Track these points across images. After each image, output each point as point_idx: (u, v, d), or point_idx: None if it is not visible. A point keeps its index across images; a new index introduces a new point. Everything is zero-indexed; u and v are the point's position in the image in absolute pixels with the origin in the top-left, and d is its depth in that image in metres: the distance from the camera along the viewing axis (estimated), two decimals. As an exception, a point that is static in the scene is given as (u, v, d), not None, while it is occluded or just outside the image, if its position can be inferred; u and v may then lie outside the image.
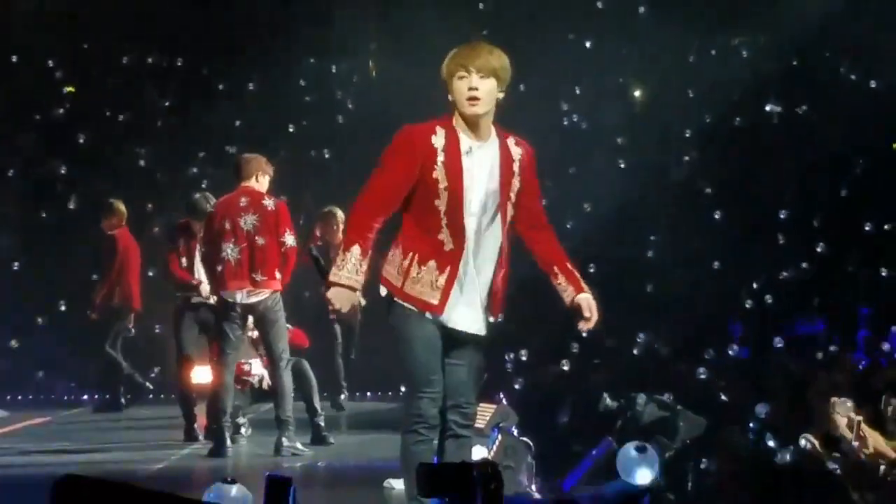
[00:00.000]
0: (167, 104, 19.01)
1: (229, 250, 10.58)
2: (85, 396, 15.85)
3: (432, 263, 6.14)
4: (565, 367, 13.15)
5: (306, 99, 19.00)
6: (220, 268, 10.67)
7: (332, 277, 6.15)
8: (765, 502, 9.07)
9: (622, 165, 17.52)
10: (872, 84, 16.97)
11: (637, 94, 18.77)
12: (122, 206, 14.54)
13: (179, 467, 10.53)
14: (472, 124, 6.17)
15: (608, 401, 11.07)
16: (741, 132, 17.57)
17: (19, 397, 16.01)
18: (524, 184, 6.28)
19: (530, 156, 6.32)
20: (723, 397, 11.55)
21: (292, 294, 11.72)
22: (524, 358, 13.60)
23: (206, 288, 11.75)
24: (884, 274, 13.60)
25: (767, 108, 17.50)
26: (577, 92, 18.21)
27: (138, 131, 18.62)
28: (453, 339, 6.27)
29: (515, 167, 6.24)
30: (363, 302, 13.44)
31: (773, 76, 17.69)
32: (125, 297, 14.37)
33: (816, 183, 16.15)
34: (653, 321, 13.94)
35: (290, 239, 10.63)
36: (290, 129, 18.35)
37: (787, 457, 9.46)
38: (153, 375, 16.45)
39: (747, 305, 13.74)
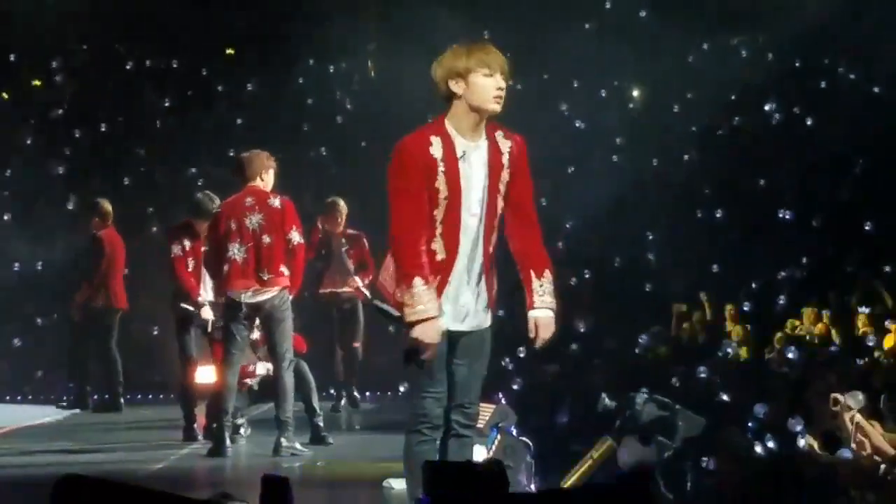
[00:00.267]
0: (166, 104, 19.03)
1: (235, 250, 10.58)
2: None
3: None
4: (562, 364, 13.15)
5: (305, 100, 19.02)
6: (226, 268, 10.66)
7: (410, 318, 6.04)
8: (764, 502, 9.06)
9: (621, 166, 17.53)
10: (874, 87, 16.99)
11: (636, 94, 18.78)
12: (108, 206, 14.48)
13: (179, 467, 10.54)
14: (474, 124, 6.20)
15: (607, 400, 11.04)
16: (740, 132, 17.58)
17: (19, 397, 16.01)
18: (514, 176, 6.28)
19: (520, 147, 6.32)
20: (724, 397, 11.54)
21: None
22: (522, 356, 13.60)
23: (207, 311, 11.73)
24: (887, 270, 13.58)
25: (766, 107, 17.51)
26: (576, 92, 18.23)
27: (138, 132, 18.64)
28: (456, 340, 6.28)
29: (504, 159, 6.25)
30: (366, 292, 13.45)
31: (773, 76, 17.71)
32: (112, 298, 14.34)
33: (816, 183, 16.14)
34: (652, 321, 13.93)
35: (295, 236, 10.61)
36: (290, 130, 18.36)
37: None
38: (158, 378, 16.47)
39: (745, 308, 13.71)
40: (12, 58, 18.74)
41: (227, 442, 10.77)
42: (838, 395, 9.35)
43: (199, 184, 15.51)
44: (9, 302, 16.68)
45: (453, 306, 6.22)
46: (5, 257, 17.13)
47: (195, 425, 11.93)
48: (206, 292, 11.79)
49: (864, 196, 15.45)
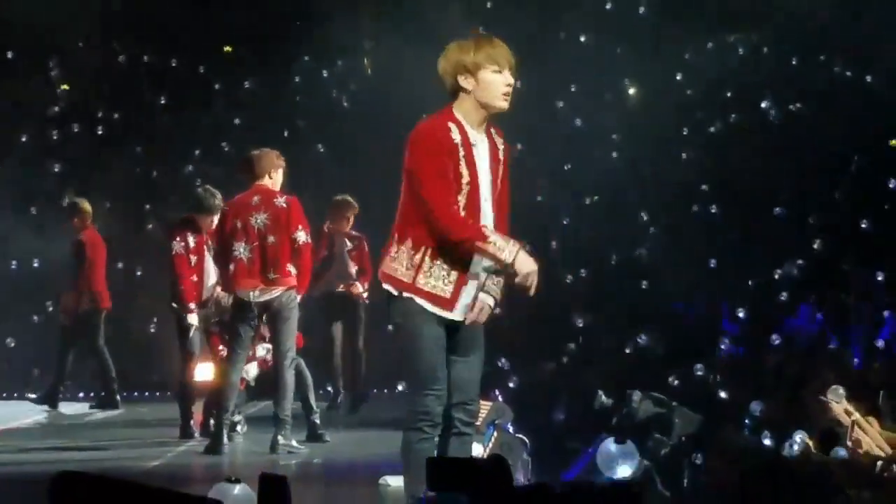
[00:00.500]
0: (163, 102, 19.02)
1: (241, 249, 10.57)
2: (81, 394, 15.83)
3: (445, 258, 6.14)
4: (559, 362, 13.17)
5: (302, 98, 19.00)
6: (232, 267, 10.67)
7: (510, 256, 6.04)
8: (760, 500, 9.07)
9: (618, 163, 17.52)
10: (871, 85, 16.99)
11: (633, 92, 18.77)
12: (87, 206, 14.44)
13: (175, 464, 10.53)
14: (481, 119, 6.23)
15: (603, 398, 11.07)
16: (738, 130, 17.58)
17: (15, 395, 16.01)
18: (503, 175, 6.34)
19: (507, 149, 6.39)
20: (721, 395, 11.56)
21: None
22: (519, 355, 13.61)
23: (193, 317, 11.71)
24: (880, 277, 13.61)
25: (763, 105, 17.51)
26: (574, 90, 18.22)
27: (135, 130, 18.61)
28: (457, 337, 6.27)
29: (500, 155, 6.31)
30: (365, 295, 13.44)
31: (770, 74, 17.71)
32: (98, 299, 14.33)
33: (813, 181, 16.15)
34: (648, 319, 13.94)
35: (301, 235, 10.56)
36: (287, 128, 18.35)
37: (787, 449, 9.49)
38: (156, 376, 16.48)
39: (740, 313, 13.73)
40: (10, 55, 18.71)
41: (225, 439, 10.76)
42: (821, 397, 9.37)
43: (197, 182, 15.49)
44: (5, 300, 16.67)
45: (465, 298, 6.20)
46: (2, 255, 17.12)
47: (192, 422, 11.93)
48: (209, 288, 11.77)
49: (861, 194, 15.47)
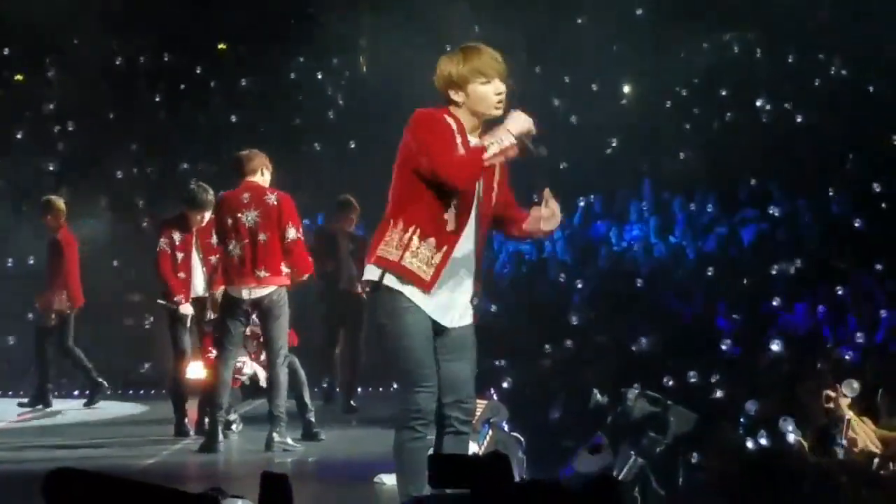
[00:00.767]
0: (159, 101, 19.02)
1: (232, 247, 10.56)
2: (76, 392, 15.82)
3: (432, 240, 6.13)
4: (554, 361, 13.16)
5: (298, 95, 19.02)
6: (224, 265, 10.68)
7: (509, 144, 6.07)
8: (756, 498, 9.06)
9: (614, 161, 17.54)
10: (867, 83, 17.01)
11: (628, 90, 18.79)
12: (61, 204, 14.40)
13: (170, 463, 10.53)
14: (475, 126, 6.25)
15: (598, 397, 11.05)
16: (733, 128, 17.60)
17: (10, 393, 16.00)
18: (501, 181, 6.36)
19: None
20: (718, 394, 11.55)
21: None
22: (515, 353, 13.60)
23: (187, 307, 11.72)
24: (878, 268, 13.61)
25: (758, 103, 17.54)
26: (569, 87, 18.23)
27: (130, 127, 18.62)
28: (447, 337, 6.25)
29: (496, 173, 6.33)
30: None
31: (765, 72, 17.73)
32: (73, 298, 14.31)
33: (808, 178, 16.16)
34: (644, 317, 13.94)
35: (292, 232, 10.52)
36: (282, 125, 18.36)
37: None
38: (143, 370, 16.49)
39: (735, 312, 13.72)
40: (6, 52, 18.71)
41: (220, 437, 10.75)
42: (829, 392, 9.36)
43: (192, 181, 15.49)
44: (4, 298, 16.65)
45: (445, 289, 6.18)
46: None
47: (186, 420, 11.92)
48: (198, 285, 11.78)
49: (856, 191, 15.48)
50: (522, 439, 9.93)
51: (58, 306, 14.24)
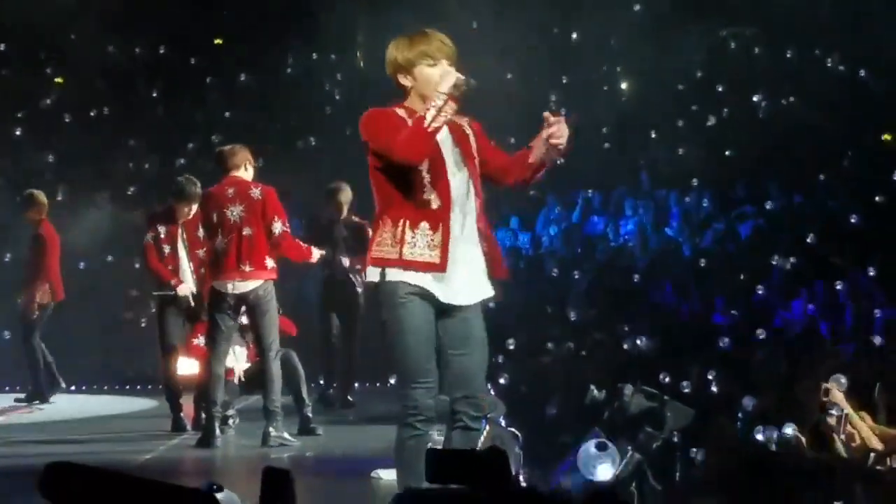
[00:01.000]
0: (156, 96, 19.01)
1: (219, 242, 10.57)
2: (73, 387, 15.81)
3: (424, 224, 6.09)
4: (551, 356, 13.17)
5: (295, 90, 19.01)
6: (211, 259, 10.69)
7: (441, 86, 6.05)
8: (753, 493, 9.07)
9: (610, 156, 17.54)
10: (865, 80, 17.01)
11: (625, 85, 18.79)
12: (42, 198, 14.40)
13: (168, 458, 10.52)
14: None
15: (595, 392, 11.06)
16: (730, 124, 17.60)
17: (6, 388, 15.98)
18: (482, 146, 6.33)
19: (476, 124, 6.38)
20: (713, 388, 11.56)
21: (287, 287, 11.70)
22: (511, 349, 13.61)
23: (184, 287, 11.74)
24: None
25: (755, 99, 17.54)
26: (565, 82, 18.23)
27: (127, 122, 18.60)
28: (452, 330, 6.19)
29: (466, 130, 6.30)
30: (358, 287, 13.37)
31: (763, 68, 17.73)
32: (55, 292, 14.31)
33: (804, 174, 16.17)
34: (641, 313, 13.95)
35: (277, 226, 10.53)
36: (279, 120, 18.35)
37: (773, 439, 9.50)
38: (148, 369, 16.45)
39: (732, 308, 13.74)
40: (3, 47, 18.69)
41: (217, 432, 10.75)
42: (824, 384, 9.38)
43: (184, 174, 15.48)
44: (2, 291, 16.63)
45: (458, 266, 6.11)
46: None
47: (183, 415, 11.92)
48: (187, 278, 11.79)
49: (853, 188, 15.49)
50: (519, 435, 9.93)
51: (40, 300, 14.24)
